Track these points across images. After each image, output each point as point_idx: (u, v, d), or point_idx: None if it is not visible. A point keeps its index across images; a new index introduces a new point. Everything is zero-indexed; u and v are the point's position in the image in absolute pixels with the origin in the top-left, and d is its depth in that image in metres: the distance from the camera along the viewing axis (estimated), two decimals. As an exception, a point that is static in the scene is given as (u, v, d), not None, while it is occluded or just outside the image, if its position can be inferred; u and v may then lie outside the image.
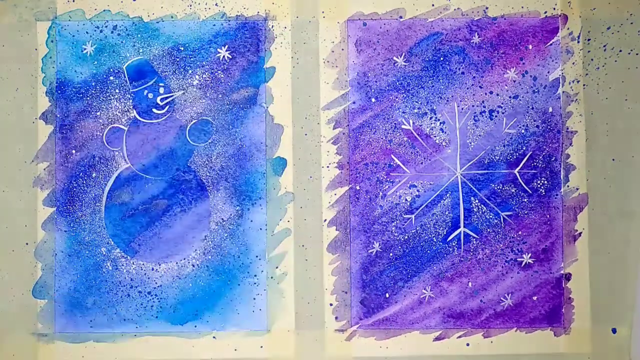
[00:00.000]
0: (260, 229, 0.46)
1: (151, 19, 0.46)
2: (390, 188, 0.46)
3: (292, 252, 0.46)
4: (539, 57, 0.46)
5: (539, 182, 0.46)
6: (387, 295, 0.46)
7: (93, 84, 0.46)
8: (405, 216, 0.46)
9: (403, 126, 0.46)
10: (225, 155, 0.46)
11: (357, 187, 0.46)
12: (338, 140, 0.46)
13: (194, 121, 0.46)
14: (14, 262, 0.46)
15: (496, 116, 0.46)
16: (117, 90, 0.46)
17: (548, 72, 0.46)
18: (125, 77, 0.46)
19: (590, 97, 0.46)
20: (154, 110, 0.46)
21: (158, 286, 0.46)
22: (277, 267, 0.46)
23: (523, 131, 0.46)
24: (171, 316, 0.46)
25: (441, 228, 0.46)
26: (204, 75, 0.46)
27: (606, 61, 0.46)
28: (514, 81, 0.46)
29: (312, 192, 0.46)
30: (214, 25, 0.46)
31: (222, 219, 0.46)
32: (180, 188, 0.46)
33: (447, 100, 0.46)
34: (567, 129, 0.46)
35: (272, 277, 0.46)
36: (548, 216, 0.46)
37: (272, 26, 0.46)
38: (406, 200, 0.46)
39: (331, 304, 0.46)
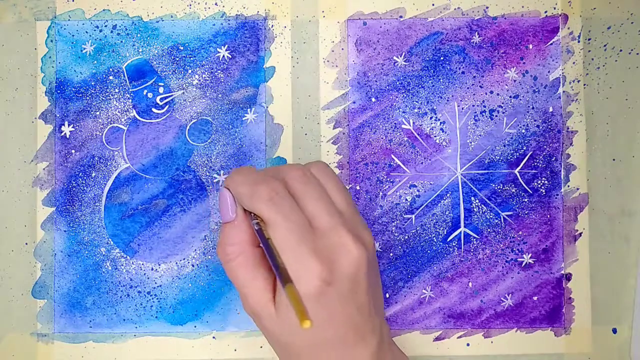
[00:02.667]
0: (260, 229, 0.46)
1: (151, 18, 0.46)
2: (390, 188, 0.46)
3: (292, 252, 0.46)
4: (540, 57, 0.46)
5: (539, 182, 0.46)
6: (387, 295, 0.46)
7: (92, 83, 0.46)
8: (405, 216, 0.46)
9: (403, 126, 0.46)
10: (225, 155, 0.46)
11: (357, 187, 0.46)
12: (338, 140, 0.46)
13: (193, 121, 0.46)
14: (14, 262, 0.46)
15: (496, 116, 0.46)
16: (116, 90, 0.46)
17: (548, 72, 0.46)
18: (124, 76, 0.46)
19: (590, 97, 0.46)
20: (154, 109, 0.46)
21: (158, 286, 0.46)
22: (277, 267, 0.46)
23: (523, 131, 0.46)
24: (171, 316, 0.46)
25: (441, 228, 0.46)
26: (203, 75, 0.46)
27: (606, 61, 0.46)
28: (514, 81, 0.46)
29: (312, 192, 0.46)
30: (214, 24, 0.46)
31: (222, 219, 0.46)
32: (180, 188, 0.46)
33: (447, 100, 0.46)
34: (568, 128, 0.46)
35: (272, 277, 0.46)
36: (548, 216, 0.46)
37: (272, 25, 0.46)
38: (406, 200, 0.46)
39: (331, 304, 0.46)
